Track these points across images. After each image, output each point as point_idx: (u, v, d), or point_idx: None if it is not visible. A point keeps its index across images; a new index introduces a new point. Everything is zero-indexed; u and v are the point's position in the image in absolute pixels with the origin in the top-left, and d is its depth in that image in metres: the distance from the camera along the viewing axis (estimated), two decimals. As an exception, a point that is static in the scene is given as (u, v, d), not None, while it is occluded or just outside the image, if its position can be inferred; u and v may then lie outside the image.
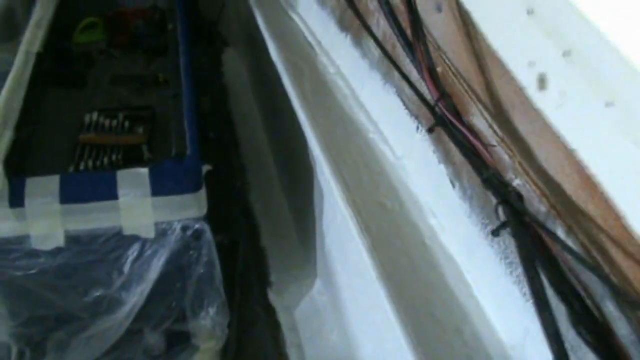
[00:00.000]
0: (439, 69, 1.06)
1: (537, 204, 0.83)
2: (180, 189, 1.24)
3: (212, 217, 1.32)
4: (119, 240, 1.26)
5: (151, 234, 1.25)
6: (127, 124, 1.49)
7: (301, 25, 1.84)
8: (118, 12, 1.91)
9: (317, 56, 1.69)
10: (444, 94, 0.92)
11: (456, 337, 0.99)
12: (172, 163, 1.26)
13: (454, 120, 0.87)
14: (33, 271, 1.25)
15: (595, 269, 0.64)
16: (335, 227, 1.34)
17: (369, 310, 1.15)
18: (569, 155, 0.74)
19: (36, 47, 1.57)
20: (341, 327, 1.35)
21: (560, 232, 0.76)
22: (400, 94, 1.31)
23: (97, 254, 1.26)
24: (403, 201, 1.23)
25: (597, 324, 0.63)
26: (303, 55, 1.71)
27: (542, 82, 0.45)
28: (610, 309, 0.66)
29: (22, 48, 1.56)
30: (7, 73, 1.72)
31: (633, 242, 0.61)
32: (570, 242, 0.72)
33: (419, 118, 1.23)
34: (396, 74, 1.33)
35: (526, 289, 0.87)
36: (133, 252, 1.26)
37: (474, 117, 0.99)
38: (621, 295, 0.63)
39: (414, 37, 0.95)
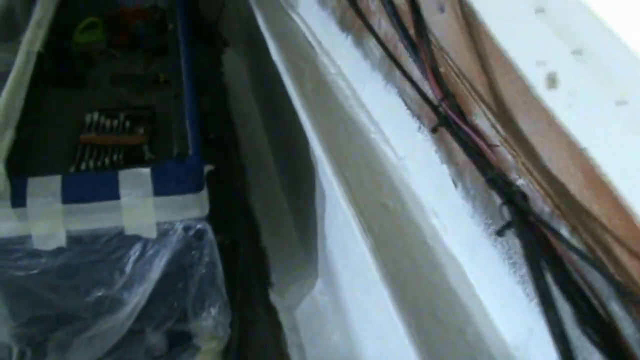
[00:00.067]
0: (441, 69, 1.06)
1: (540, 204, 0.83)
2: (182, 189, 1.24)
3: (213, 217, 1.31)
4: (121, 241, 1.26)
5: (153, 234, 1.25)
6: (128, 124, 1.49)
7: (301, 26, 1.83)
8: (118, 12, 1.91)
9: (318, 56, 1.69)
10: (447, 94, 0.92)
11: (459, 337, 0.99)
12: (174, 163, 1.26)
13: (458, 121, 0.87)
14: (35, 271, 1.25)
15: (601, 268, 0.64)
16: (337, 228, 1.34)
17: (371, 310, 1.15)
18: (574, 154, 0.74)
19: (37, 47, 1.57)
20: (343, 327, 1.35)
21: (565, 232, 0.76)
22: (402, 94, 1.31)
23: (99, 254, 1.26)
24: (405, 201, 1.23)
25: (603, 324, 0.63)
26: (304, 56, 1.71)
27: (551, 81, 0.45)
28: (615, 308, 0.66)
29: (23, 48, 1.56)
30: (7, 73, 1.72)
31: None
32: (574, 242, 0.72)
33: (421, 118, 1.23)
34: (398, 74, 1.33)
35: (530, 289, 0.88)
36: (135, 252, 1.26)
37: (477, 117, 0.99)
38: (626, 294, 0.63)
39: (418, 37, 0.95)
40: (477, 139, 0.84)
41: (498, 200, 0.96)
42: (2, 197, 1.18)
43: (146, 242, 1.27)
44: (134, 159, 1.39)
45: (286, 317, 1.44)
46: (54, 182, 1.21)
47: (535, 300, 0.86)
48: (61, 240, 1.22)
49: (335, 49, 1.65)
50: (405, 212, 1.21)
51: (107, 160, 1.37)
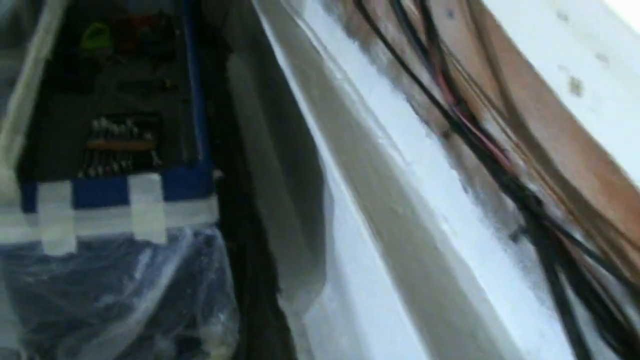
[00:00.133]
0: (451, 75, 1.06)
1: (553, 209, 0.83)
2: (192, 194, 1.25)
3: (220, 222, 1.32)
4: (131, 246, 1.26)
5: (163, 240, 1.25)
6: (135, 130, 1.49)
7: (307, 31, 1.84)
8: (125, 19, 1.91)
9: (324, 62, 1.69)
10: (459, 100, 0.93)
11: (470, 341, 0.99)
12: (184, 169, 1.27)
13: (471, 126, 0.87)
14: (44, 277, 1.25)
15: (616, 272, 0.64)
16: (345, 232, 1.34)
17: (381, 314, 1.15)
18: (588, 159, 0.74)
19: (45, 53, 1.58)
20: (351, 332, 1.35)
21: (579, 237, 0.76)
22: (410, 99, 1.31)
23: (109, 259, 1.26)
24: (414, 206, 1.23)
25: (621, 328, 0.63)
26: (310, 61, 1.72)
27: (575, 87, 0.45)
28: (631, 312, 0.67)
29: (31, 55, 1.57)
30: (14, 79, 1.72)
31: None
32: (589, 246, 0.72)
33: (429, 124, 1.23)
34: (405, 79, 1.33)
35: (542, 294, 0.88)
36: (144, 258, 1.26)
37: (487, 122, 1.00)
38: (643, 299, 0.64)
39: (429, 43, 0.96)
40: (490, 144, 0.84)
41: (510, 204, 0.97)
42: (12, 203, 1.18)
43: (156, 247, 1.27)
44: (142, 165, 1.39)
45: (294, 322, 1.44)
46: (65, 187, 1.22)
47: (547, 305, 0.87)
48: (71, 246, 1.23)
49: (341, 55, 1.66)
50: (415, 217, 1.21)
51: (115, 166, 1.37)
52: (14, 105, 1.37)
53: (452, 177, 1.14)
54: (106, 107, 1.61)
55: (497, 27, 0.94)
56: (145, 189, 1.23)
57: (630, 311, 0.65)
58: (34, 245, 1.23)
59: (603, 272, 0.71)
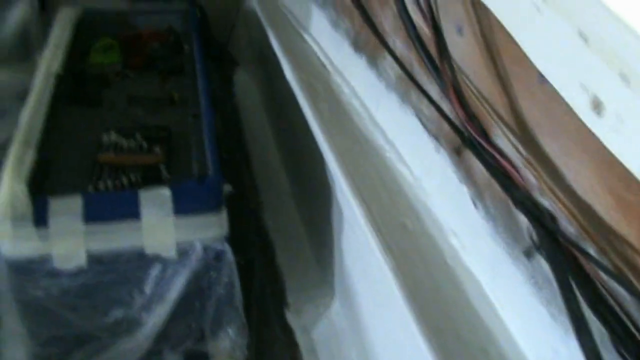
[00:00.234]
0: (460, 91, 1.07)
1: (566, 225, 0.83)
2: (202, 208, 1.25)
3: (229, 237, 1.32)
4: (140, 260, 1.27)
5: (173, 254, 1.26)
6: (145, 143, 1.50)
7: (314, 46, 1.86)
8: (134, 34, 1.93)
9: (331, 76, 1.71)
10: (470, 115, 0.93)
11: (482, 356, 0.99)
12: (194, 183, 1.27)
13: (483, 142, 0.88)
14: (54, 291, 1.25)
15: (632, 289, 0.65)
16: (354, 247, 1.34)
17: (392, 330, 1.15)
18: (601, 175, 0.75)
19: (55, 68, 1.59)
20: (361, 346, 1.35)
21: (593, 253, 0.76)
22: (418, 114, 1.32)
23: (118, 273, 1.27)
24: (423, 221, 1.23)
25: (638, 344, 0.63)
26: (317, 75, 1.73)
27: (596, 106, 0.46)
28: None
29: (42, 69, 1.58)
30: (23, 92, 1.73)
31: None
32: (604, 263, 0.72)
33: (438, 138, 1.24)
34: (414, 94, 1.34)
35: (554, 310, 0.88)
36: (154, 272, 1.27)
37: (497, 138, 1.00)
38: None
39: (440, 59, 0.96)
40: (503, 161, 0.85)
41: (521, 220, 0.97)
42: (24, 217, 1.19)
43: (165, 262, 1.27)
44: (151, 179, 1.39)
45: (303, 337, 1.44)
46: (76, 201, 1.22)
47: (560, 321, 0.87)
48: (81, 260, 1.23)
49: (348, 70, 1.67)
50: (424, 232, 1.21)
51: (124, 180, 1.38)
52: (25, 119, 1.38)
53: (461, 192, 1.14)
54: (115, 121, 1.62)
55: (508, 43, 0.95)
56: (156, 203, 1.23)
57: (647, 328, 0.65)
58: (44, 259, 1.23)
59: (618, 288, 0.71)
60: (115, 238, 1.24)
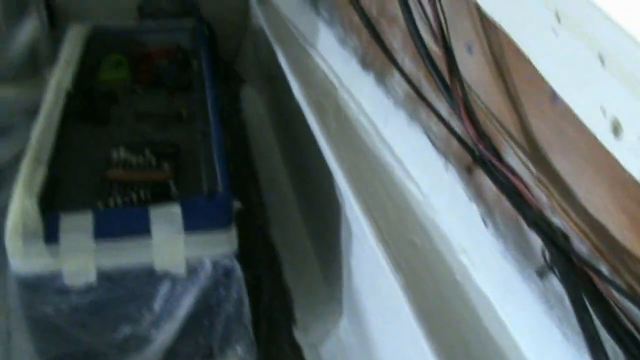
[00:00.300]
0: (470, 109, 1.07)
1: (578, 244, 0.83)
2: (212, 225, 1.26)
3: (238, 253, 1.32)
4: (150, 277, 1.27)
5: (182, 271, 1.26)
6: (153, 160, 1.51)
7: (322, 63, 1.87)
8: (143, 51, 1.94)
9: (339, 94, 1.71)
10: (481, 134, 0.94)
11: (494, 376, 0.99)
12: (204, 199, 1.28)
13: (494, 160, 0.88)
14: (64, 307, 1.25)
15: (647, 310, 0.64)
16: (363, 264, 1.34)
17: (402, 347, 1.14)
18: (615, 195, 0.75)
19: (66, 84, 1.60)
20: (369, 365, 1.35)
21: (606, 273, 0.76)
22: (427, 132, 1.32)
23: (128, 290, 1.27)
24: (432, 238, 1.23)
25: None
26: (325, 93, 1.74)
27: (615, 128, 0.46)
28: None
29: (52, 86, 1.59)
30: (31, 108, 1.75)
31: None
32: (618, 283, 0.72)
33: (447, 156, 1.24)
34: (422, 112, 1.35)
35: (567, 330, 0.87)
36: (163, 288, 1.27)
37: (507, 156, 1.01)
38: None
39: (450, 76, 0.97)
40: (515, 180, 0.85)
41: (532, 238, 0.97)
42: (35, 234, 1.19)
43: (174, 278, 1.27)
44: (160, 195, 1.40)
45: (311, 354, 1.44)
46: (86, 218, 1.23)
47: (573, 341, 0.86)
48: (91, 277, 1.23)
49: (356, 87, 1.68)
50: (433, 249, 1.21)
51: (134, 196, 1.38)
52: (35, 135, 1.39)
53: (471, 210, 1.14)
54: (124, 137, 1.63)
55: (518, 62, 0.95)
56: (166, 220, 1.23)
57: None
58: (54, 276, 1.23)
59: (632, 307, 0.71)
60: (125, 255, 1.25)
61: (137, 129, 1.69)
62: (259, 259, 1.74)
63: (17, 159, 1.42)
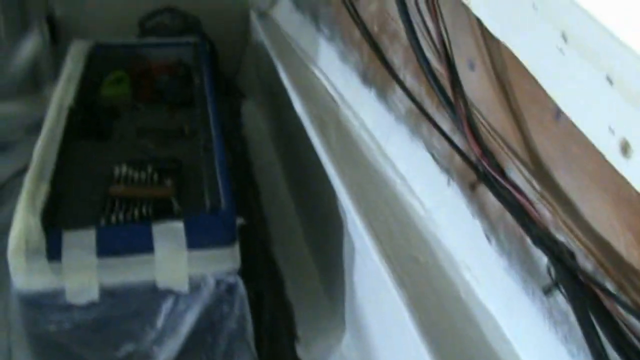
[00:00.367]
0: (472, 126, 1.08)
1: (583, 261, 0.83)
2: (215, 242, 1.25)
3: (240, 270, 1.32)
4: (153, 294, 1.26)
5: (185, 288, 1.25)
6: (156, 176, 1.51)
7: (322, 79, 1.87)
8: (144, 67, 1.95)
9: (340, 109, 1.72)
10: (486, 150, 0.94)
11: (499, 393, 0.99)
12: (207, 216, 1.28)
13: (499, 177, 0.88)
14: (66, 325, 1.24)
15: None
16: (366, 280, 1.34)
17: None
18: (620, 212, 0.75)
19: (68, 101, 1.61)
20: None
21: (612, 290, 0.76)
22: (429, 148, 1.32)
23: (131, 307, 1.26)
24: (436, 255, 1.23)
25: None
26: (326, 108, 1.74)
27: (624, 148, 0.46)
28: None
29: (55, 102, 1.60)
30: (31, 125, 1.75)
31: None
32: (625, 300, 0.72)
33: (450, 172, 1.24)
34: (424, 128, 1.35)
35: (573, 347, 0.87)
36: (166, 306, 1.26)
37: (510, 173, 1.01)
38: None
39: (453, 93, 0.97)
40: (520, 197, 0.85)
41: (536, 255, 0.97)
42: (38, 251, 1.19)
43: (177, 295, 1.27)
44: (162, 211, 1.40)
45: (314, 371, 1.43)
46: (89, 235, 1.23)
47: (580, 358, 0.86)
48: (94, 294, 1.23)
49: (357, 103, 1.68)
50: (437, 266, 1.21)
51: (136, 213, 1.38)
52: (38, 152, 1.39)
53: (474, 226, 1.14)
54: (125, 153, 1.63)
55: (520, 79, 0.96)
56: (169, 237, 1.23)
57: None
58: (57, 293, 1.23)
59: (638, 324, 0.70)
60: (127, 272, 1.24)
61: (139, 145, 1.69)
62: (261, 275, 1.74)
63: (18, 175, 1.42)
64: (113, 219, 1.36)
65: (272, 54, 2.06)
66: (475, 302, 1.12)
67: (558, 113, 0.85)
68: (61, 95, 1.63)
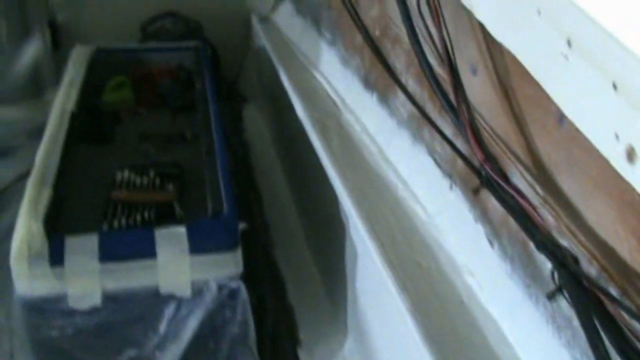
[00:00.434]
0: (475, 130, 1.07)
1: (586, 266, 0.83)
2: (218, 247, 1.25)
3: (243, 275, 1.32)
4: (155, 299, 1.26)
5: (188, 293, 1.25)
6: (157, 181, 1.51)
7: (324, 83, 1.88)
8: (146, 72, 1.95)
9: (342, 114, 1.72)
10: (488, 156, 0.94)
11: (502, 399, 0.98)
12: (209, 221, 1.28)
13: (502, 182, 0.88)
14: (69, 330, 1.24)
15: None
16: (369, 285, 1.34)
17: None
18: (624, 217, 0.75)
19: (70, 106, 1.61)
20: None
21: (616, 295, 0.76)
22: (431, 152, 1.32)
23: (133, 313, 1.26)
24: (438, 260, 1.23)
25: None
26: (328, 113, 1.74)
27: (630, 154, 0.46)
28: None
29: (57, 107, 1.60)
30: (33, 130, 1.75)
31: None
32: (629, 305, 0.72)
33: (452, 176, 1.24)
34: (427, 132, 1.35)
35: (576, 352, 0.87)
36: (168, 311, 1.26)
37: (513, 177, 1.01)
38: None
39: (456, 98, 0.97)
40: (523, 202, 0.85)
41: (539, 260, 0.97)
42: (40, 256, 1.19)
43: (180, 300, 1.27)
44: (164, 216, 1.40)
45: (317, 376, 1.43)
46: (92, 240, 1.23)
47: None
48: (96, 299, 1.23)
49: (359, 107, 1.68)
50: (439, 271, 1.21)
51: (138, 217, 1.38)
52: (40, 157, 1.39)
53: (477, 231, 1.14)
54: (127, 158, 1.64)
55: (523, 84, 0.96)
56: (171, 242, 1.23)
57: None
58: (59, 298, 1.23)
59: (644, 331, 0.70)
60: (130, 277, 1.24)
61: (141, 150, 1.70)
62: (263, 279, 1.74)
63: (20, 180, 1.42)
64: (115, 224, 1.36)
65: (274, 58, 2.06)
66: (478, 307, 1.11)
67: (561, 117, 0.85)
68: (63, 100, 1.63)
